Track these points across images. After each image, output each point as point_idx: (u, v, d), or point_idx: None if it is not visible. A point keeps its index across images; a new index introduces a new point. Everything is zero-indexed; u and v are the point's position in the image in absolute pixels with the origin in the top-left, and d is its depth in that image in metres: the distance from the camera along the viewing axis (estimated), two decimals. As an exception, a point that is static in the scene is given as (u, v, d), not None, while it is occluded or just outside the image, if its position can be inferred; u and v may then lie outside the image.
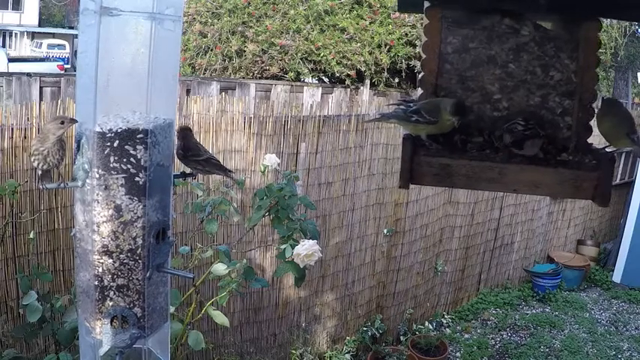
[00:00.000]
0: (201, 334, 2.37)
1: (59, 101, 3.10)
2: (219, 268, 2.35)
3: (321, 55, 8.19)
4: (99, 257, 1.25)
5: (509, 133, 1.34)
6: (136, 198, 1.25)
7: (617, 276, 7.17)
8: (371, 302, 5.03)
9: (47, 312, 2.27)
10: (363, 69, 8.19)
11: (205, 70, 8.79)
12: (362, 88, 8.46)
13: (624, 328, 6.04)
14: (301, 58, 8.35)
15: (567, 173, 1.31)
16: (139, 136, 1.23)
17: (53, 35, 23.37)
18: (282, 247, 2.39)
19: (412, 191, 5.00)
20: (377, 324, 4.95)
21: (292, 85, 8.12)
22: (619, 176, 7.98)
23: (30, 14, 24.82)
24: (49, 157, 1.28)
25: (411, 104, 1.45)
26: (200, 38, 8.85)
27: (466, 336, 5.57)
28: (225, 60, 8.77)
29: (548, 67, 1.40)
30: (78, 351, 1.49)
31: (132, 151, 1.23)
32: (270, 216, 2.52)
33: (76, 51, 19.42)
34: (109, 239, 1.25)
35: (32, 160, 1.30)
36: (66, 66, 19.97)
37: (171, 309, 2.16)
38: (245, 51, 8.55)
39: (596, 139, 1.42)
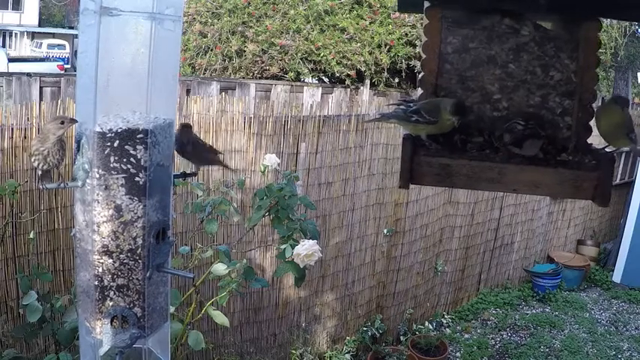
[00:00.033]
0: (201, 334, 2.37)
1: (59, 101, 3.10)
2: (219, 268, 2.35)
3: (321, 55, 8.19)
4: (99, 257, 1.25)
5: (509, 133, 1.34)
6: (136, 198, 1.25)
7: (617, 276, 7.17)
8: (371, 302, 5.03)
9: (47, 312, 2.27)
10: (363, 69, 8.19)
11: (205, 70, 8.79)
12: (362, 88, 8.46)
13: (624, 328, 6.04)
14: (301, 58, 8.35)
15: (567, 173, 1.31)
16: (139, 136, 1.23)
17: (53, 35, 23.37)
18: (282, 247, 2.39)
19: (412, 191, 5.00)
20: (377, 324, 4.95)
21: (292, 85, 8.12)
22: (619, 176, 7.98)
23: (30, 14, 24.82)
24: (49, 158, 1.28)
25: (411, 104, 1.45)
26: (200, 38, 8.85)
27: (466, 336, 5.57)
28: (225, 60, 8.77)
29: (548, 67, 1.40)
30: (78, 351, 1.49)
31: (132, 151, 1.23)
32: (270, 216, 2.52)
33: (76, 51, 19.42)
34: (109, 239, 1.25)
35: (32, 160, 1.29)
36: (66, 66, 19.98)
37: (172, 309, 2.16)
38: (245, 51, 8.55)
39: (596, 139, 1.42)
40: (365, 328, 4.89)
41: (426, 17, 1.41)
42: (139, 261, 1.27)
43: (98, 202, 1.23)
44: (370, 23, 8.17)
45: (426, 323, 5.50)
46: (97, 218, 1.24)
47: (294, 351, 4.41)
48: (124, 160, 1.23)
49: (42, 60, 19.31)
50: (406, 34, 8.08)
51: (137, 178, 1.24)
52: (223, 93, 5.51)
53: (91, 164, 1.22)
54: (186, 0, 8.87)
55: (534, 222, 6.82)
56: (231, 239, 3.76)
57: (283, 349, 4.42)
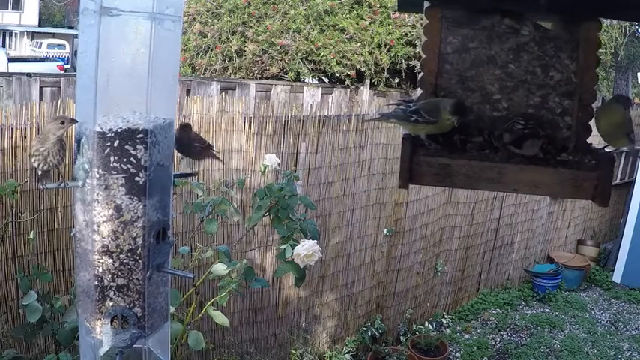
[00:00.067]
0: (201, 334, 2.37)
1: (59, 101, 3.10)
2: (219, 268, 2.35)
3: (321, 55, 8.19)
4: (99, 257, 1.25)
5: (508, 133, 1.34)
6: (136, 198, 1.25)
7: (617, 276, 7.17)
8: (371, 302, 5.03)
9: (47, 312, 2.27)
10: (363, 69, 8.19)
11: (205, 70, 8.78)
12: (362, 88, 8.46)
13: (624, 328, 6.04)
14: (301, 58, 8.34)
15: (567, 173, 1.31)
16: (139, 136, 1.23)
17: (53, 35, 23.37)
18: (282, 247, 2.39)
19: (412, 191, 5.00)
20: (377, 324, 4.95)
21: (292, 85, 8.12)
22: (619, 176, 7.98)
23: (30, 14, 24.82)
24: (49, 158, 1.28)
25: (411, 104, 1.45)
26: (200, 38, 8.85)
27: (466, 336, 5.57)
28: (225, 60, 8.77)
29: (548, 67, 1.40)
30: (78, 351, 1.49)
31: (132, 151, 1.23)
32: (270, 216, 2.52)
33: (76, 51, 19.42)
34: (109, 239, 1.25)
35: (32, 160, 1.30)
36: (66, 66, 19.98)
37: (172, 309, 2.16)
38: (245, 51, 8.55)
39: (596, 139, 1.42)
40: (365, 328, 4.89)
41: (426, 17, 1.41)
42: (139, 261, 1.27)
43: (98, 202, 1.24)
44: (370, 23, 8.17)
45: (426, 323, 5.50)
46: (97, 218, 1.24)
47: (294, 351, 4.41)
48: (124, 160, 1.23)
49: (42, 60, 19.32)
50: (406, 34, 8.08)
51: (137, 178, 1.24)
52: (223, 93, 5.51)
53: (91, 164, 1.22)
54: (186, 0, 8.87)
55: (534, 222, 6.82)
56: (231, 239, 3.76)
57: (283, 349, 4.42)
